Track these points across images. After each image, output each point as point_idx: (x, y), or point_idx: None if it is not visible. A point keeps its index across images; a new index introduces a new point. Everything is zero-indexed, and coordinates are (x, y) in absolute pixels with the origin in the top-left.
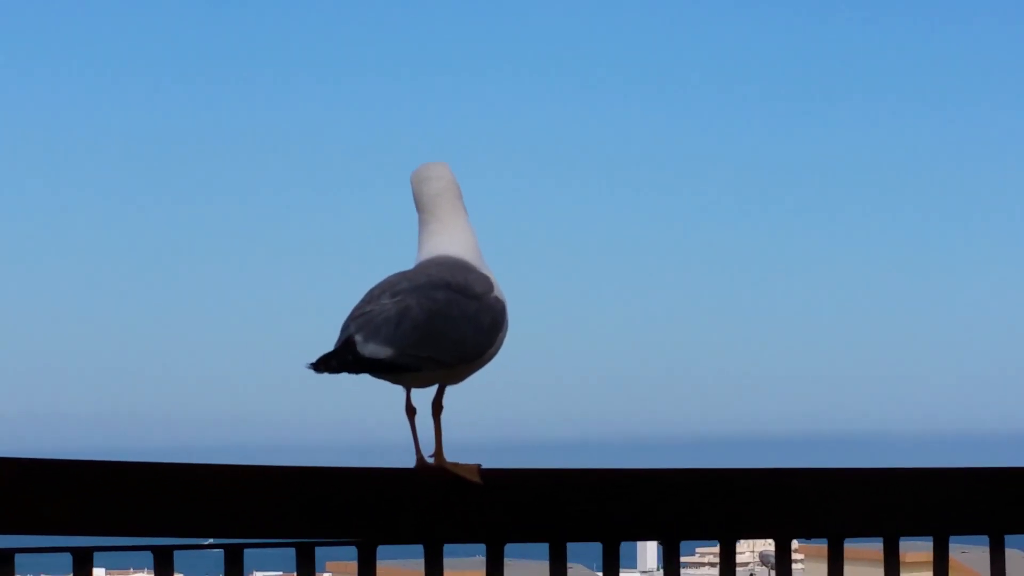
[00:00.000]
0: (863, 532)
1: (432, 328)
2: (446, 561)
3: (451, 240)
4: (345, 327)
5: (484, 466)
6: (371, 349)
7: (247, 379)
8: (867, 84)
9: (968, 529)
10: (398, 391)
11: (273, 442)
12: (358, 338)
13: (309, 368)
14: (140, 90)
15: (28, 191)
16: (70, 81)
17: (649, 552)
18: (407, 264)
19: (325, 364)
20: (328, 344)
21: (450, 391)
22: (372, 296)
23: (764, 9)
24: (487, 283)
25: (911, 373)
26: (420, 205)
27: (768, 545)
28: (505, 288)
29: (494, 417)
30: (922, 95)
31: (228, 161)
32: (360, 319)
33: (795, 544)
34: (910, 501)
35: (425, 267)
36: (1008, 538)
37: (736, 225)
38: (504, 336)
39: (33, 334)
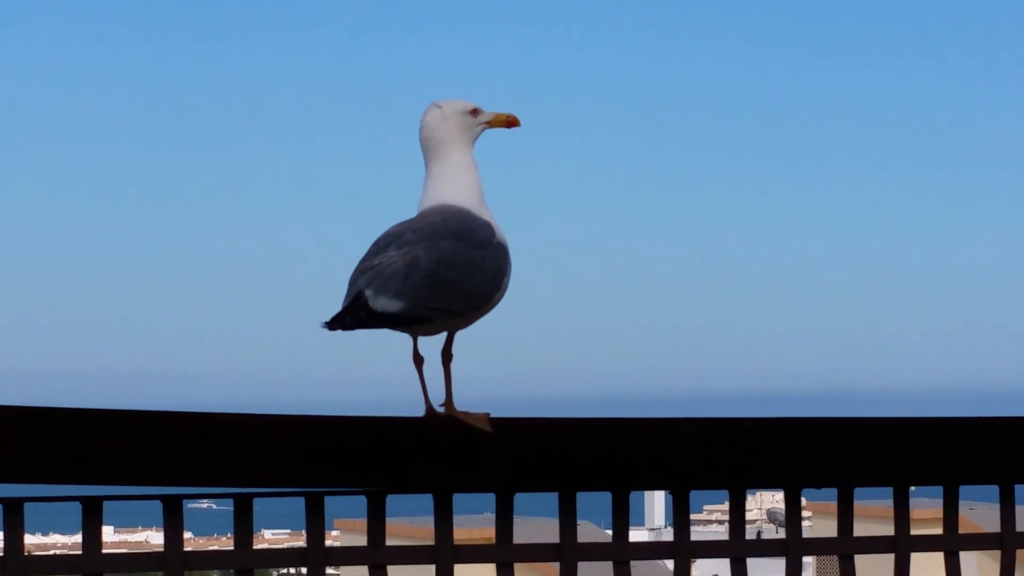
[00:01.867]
0: (873, 481)
1: (441, 278)
2: (454, 520)
3: (452, 186)
4: (353, 281)
5: (493, 415)
6: (382, 303)
7: (254, 334)
8: (892, 40)
9: (979, 479)
10: (405, 340)
11: (282, 398)
12: (368, 292)
13: (323, 327)
14: (147, 40)
15: (50, 149)
16: (78, 33)
17: (656, 509)
18: (413, 210)
19: (339, 322)
20: (334, 295)
21: (460, 348)
22: (378, 248)
23: None
24: (489, 229)
25: (927, 329)
26: (421, 145)
27: (776, 502)
28: (516, 238)
29: (504, 374)
30: (937, 50)
31: (241, 115)
32: (369, 272)
33: (803, 501)
34: (921, 450)
35: (428, 215)
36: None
37: (746, 182)
38: (508, 280)
39: (55, 289)
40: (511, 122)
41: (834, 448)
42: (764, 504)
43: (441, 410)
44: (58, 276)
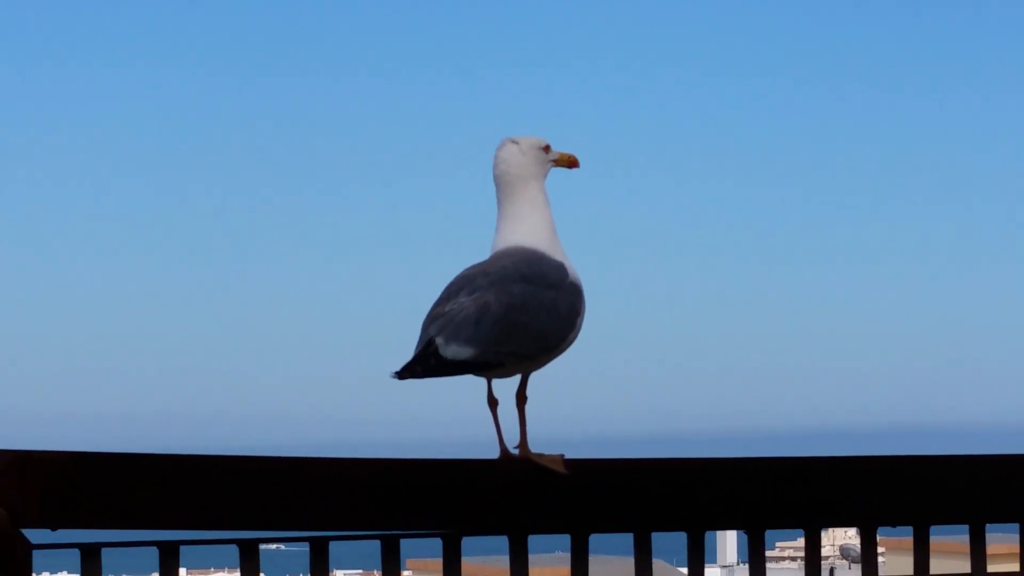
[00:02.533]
0: (949, 520)
1: (511, 322)
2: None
3: (525, 226)
4: (425, 328)
5: (567, 456)
6: (453, 350)
7: (330, 378)
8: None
9: None
10: (480, 382)
11: (357, 439)
12: (439, 340)
13: (394, 377)
14: (195, 83)
15: (99, 188)
16: (121, 72)
17: (729, 546)
18: (484, 252)
19: (410, 371)
20: (406, 338)
21: (533, 386)
22: (450, 293)
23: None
24: (562, 270)
25: (1003, 363)
26: (496, 182)
27: (849, 538)
28: (586, 274)
29: (576, 412)
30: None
31: (312, 158)
32: (440, 320)
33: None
34: (996, 487)
35: (500, 258)
36: None
37: (814, 216)
38: (582, 320)
39: (129, 333)
40: (572, 163)
41: (909, 487)
42: (836, 540)
43: (516, 452)
44: (130, 320)
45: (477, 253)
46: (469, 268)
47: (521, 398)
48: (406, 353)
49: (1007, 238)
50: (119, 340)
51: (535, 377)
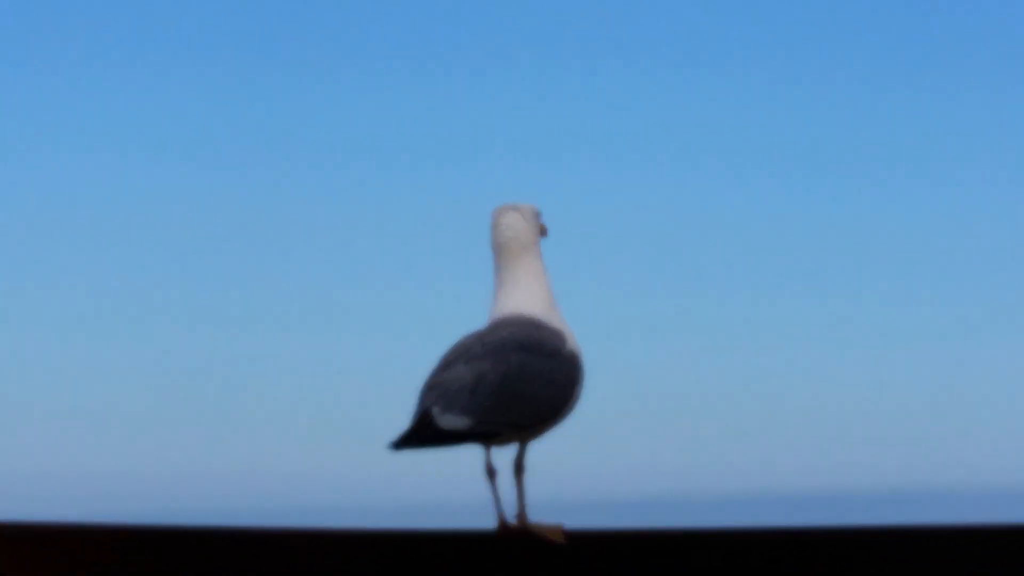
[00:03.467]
0: None
1: (508, 392)
2: None
3: (523, 294)
4: (422, 397)
5: (567, 526)
6: (449, 420)
7: (317, 439)
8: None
9: None
10: (478, 450)
11: (347, 503)
12: (435, 410)
13: (390, 449)
14: (198, 98)
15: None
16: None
17: None
18: (481, 315)
19: (407, 442)
20: (397, 405)
21: (531, 448)
22: (447, 362)
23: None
24: (560, 338)
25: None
26: (498, 249)
27: None
28: (584, 335)
29: (575, 475)
30: None
31: (309, 221)
32: (437, 389)
33: None
34: (1006, 557)
35: (497, 328)
36: None
37: (817, 280)
38: (581, 389)
39: (125, 392)
40: (544, 232)
41: (917, 557)
42: None
43: (514, 523)
44: (127, 379)
45: (477, 317)
46: (466, 336)
47: (519, 468)
48: (403, 419)
49: (1014, 299)
50: (102, 399)
51: (534, 442)
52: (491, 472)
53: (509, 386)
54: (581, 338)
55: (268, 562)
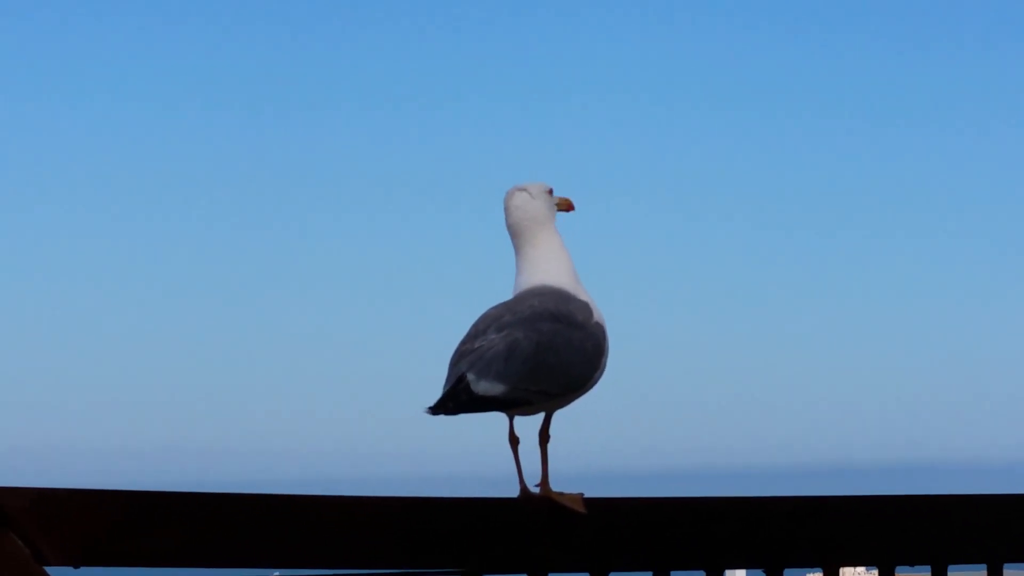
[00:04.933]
0: (967, 559)
1: (541, 361)
2: None
3: (548, 267)
4: (454, 364)
5: (587, 495)
6: (484, 387)
7: (347, 412)
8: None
9: None
10: (501, 419)
11: (375, 475)
12: (470, 376)
13: (427, 412)
14: (212, 115)
15: (126, 216)
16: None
17: None
18: (503, 292)
19: (443, 407)
20: (422, 373)
21: (555, 421)
22: (477, 331)
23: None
24: (587, 310)
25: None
26: (512, 230)
27: (858, 575)
28: (604, 311)
29: (596, 448)
30: None
31: (337, 192)
32: (470, 356)
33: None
34: (1014, 526)
35: (526, 298)
36: None
37: (833, 254)
38: (607, 360)
39: (140, 371)
40: (569, 207)
41: (928, 526)
42: None
43: (537, 490)
44: (153, 354)
45: (500, 292)
46: (495, 307)
47: (544, 437)
48: (427, 388)
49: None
50: (141, 375)
51: (558, 415)
52: (514, 440)
53: (541, 355)
54: (606, 312)
55: (293, 527)
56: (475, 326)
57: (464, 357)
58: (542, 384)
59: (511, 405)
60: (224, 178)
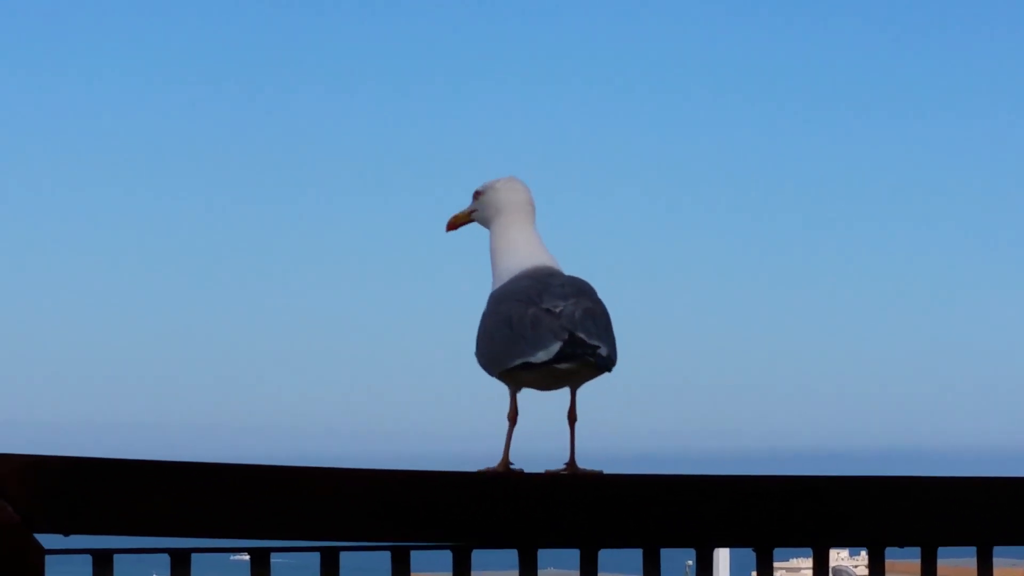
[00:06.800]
0: (957, 541)
1: (611, 330)
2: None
3: (526, 251)
4: (571, 317)
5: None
6: (605, 350)
7: (348, 389)
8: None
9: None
10: (502, 396)
11: (366, 451)
12: (586, 337)
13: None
14: (196, 93)
15: (116, 196)
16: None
17: (722, 564)
18: (480, 276)
19: (567, 358)
20: (416, 351)
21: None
22: (544, 295)
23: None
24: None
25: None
26: (511, 208)
27: (841, 559)
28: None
29: (604, 429)
30: None
31: (349, 171)
32: (584, 319)
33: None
34: (1004, 509)
35: (542, 275)
36: None
37: (834, 243)
38: None
39: (133, 343)
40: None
41: (918, 507)
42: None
43: (564, 468)
44: (147, 327)
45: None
46: (527, 279)
47: (572, 416)
48: (415, 366)
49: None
50: (134, 348)
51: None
52: (514, 416)
53: (610, 323)
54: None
55: (284, 498)
56: (526, 293)
57: (560, 318)
58: (615, 353)
59: (606, 368)
60: (225, 158)
